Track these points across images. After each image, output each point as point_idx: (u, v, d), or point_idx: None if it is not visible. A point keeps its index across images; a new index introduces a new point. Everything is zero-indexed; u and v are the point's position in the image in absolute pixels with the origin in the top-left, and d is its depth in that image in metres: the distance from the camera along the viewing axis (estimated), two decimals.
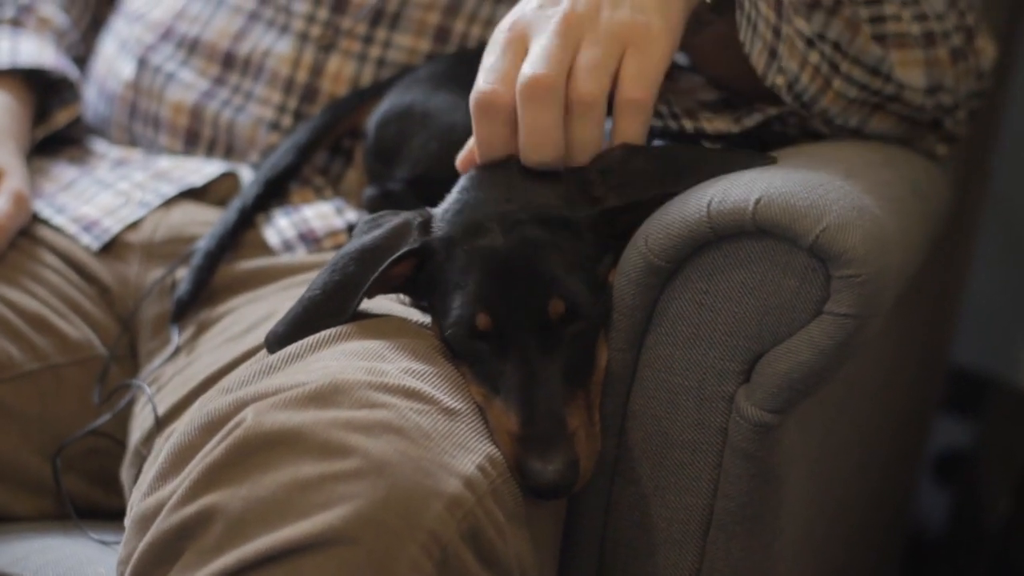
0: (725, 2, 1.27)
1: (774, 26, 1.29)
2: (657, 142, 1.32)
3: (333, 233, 1.50)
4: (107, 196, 1.57)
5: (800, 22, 1.32)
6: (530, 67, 1.19)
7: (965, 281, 2.07)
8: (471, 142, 1.25)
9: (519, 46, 1.22)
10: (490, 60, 1.23)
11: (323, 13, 1.60)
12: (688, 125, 1.33)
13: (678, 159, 1.26)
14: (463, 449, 1.09)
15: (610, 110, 1.22)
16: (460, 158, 1.26)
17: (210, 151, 1.64)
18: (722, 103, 1.38)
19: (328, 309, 1.20)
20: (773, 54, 1.29)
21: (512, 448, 1.12)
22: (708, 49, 1.36)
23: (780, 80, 1.31)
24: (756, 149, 1.35)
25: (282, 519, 1.02)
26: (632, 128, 1.22)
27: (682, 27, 1.25)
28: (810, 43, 1.32)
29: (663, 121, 1.33)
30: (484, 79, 1.22)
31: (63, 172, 1.64)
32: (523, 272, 1.15)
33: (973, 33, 1.46)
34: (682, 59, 1.42)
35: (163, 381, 1.41)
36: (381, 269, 1.18)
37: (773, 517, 1.22)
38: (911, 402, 1.90)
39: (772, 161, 1.25)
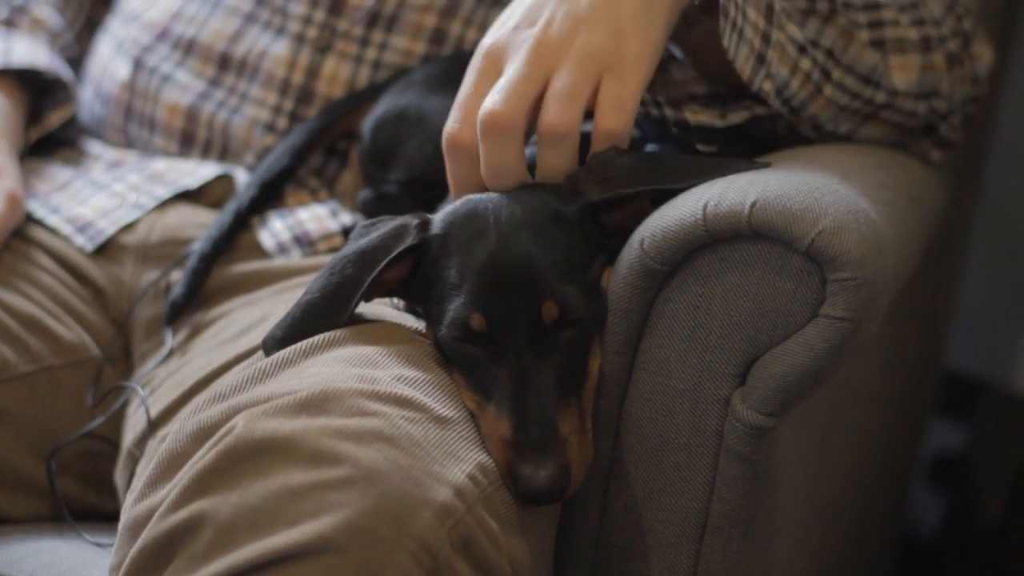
0: (714, 3, 1.27)
1: (763, 32, 1.28)
2: (651, 146, 1.32)
3: (328, 236, 1.50)
4: (102, 197, 1.57)
5: (793, 28, 1.32)
6: (490, 102, 1.19)
7: (958, 285, 2.07)
8: None
9: (491, 75, 1.23)
10: (462, 92, 1.24)
11: (319, 15, 1.60)
12: (670, 114, 1.33)
13: (665, 160, 1.27)
14: (454, 458, 1.09)
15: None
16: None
17: (205, 153, 1.64)
18: (712, 97, 1.37)
19: (325, 312, 1.20)
20: (761, 60, 1.29)
21: (504, 454, 1.12)
22: (699, 46, 1.35)
23: (768, 86, 1.31)
24: (747, 146, 1.36)
25: (272, 527, 1.02)
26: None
27: (664, 40, 1.24)
28: (802, 49, 1.32)
29: (646, 108, 1.33)
30: (452, 118, 1.23)
31: (57, 173, 1.63)
32: (517, 276, 1.15)
33: (970, 39, 1.46)
34: (677, 51, 1.41)
35: (156, 383, 1.41)
36: (379, 269, 1.18)
37: (768, 520, 1.22)
38: (905, 405, 1.90)
39: (766, 166, 1.24)
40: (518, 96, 1.19)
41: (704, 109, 1.33)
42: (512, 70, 1.21)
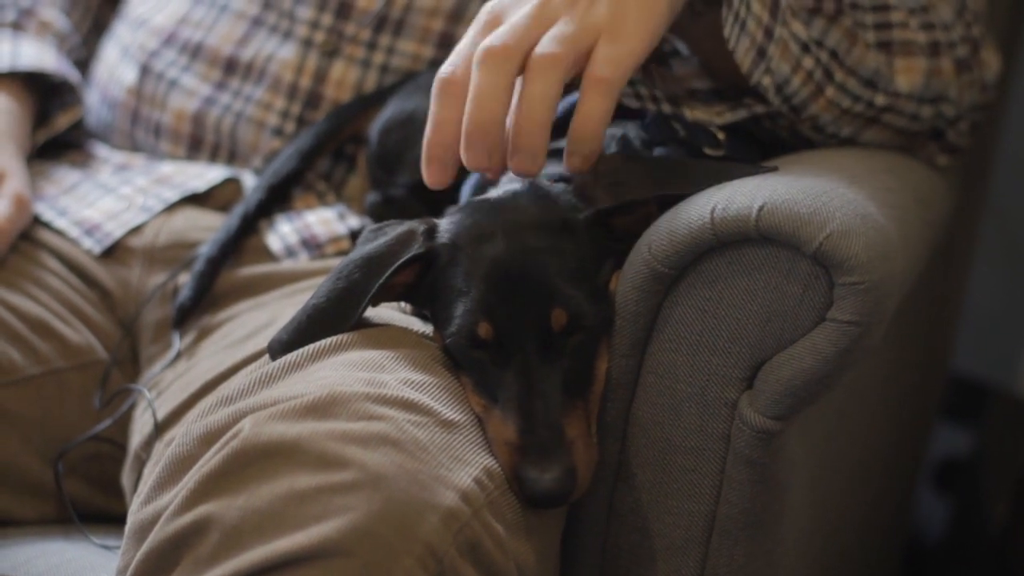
0: None
1: (766, 26, 1.28)
2: (659, 151, 1.32)
3: (335, 239, 1.50)
4: (109, 200, 1.57)
5: (797, 26, 1.32)
6: (488, 39, 1.18)
7: (965, 289, 2.07)
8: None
9: (491, 28, 1.21)
10: (461, 43, 1.22)
11: (327, 19, 1.60)
12: (667, 109, 1.32)
13: (674, 165, 1.27)
14: (460, 462, 1.09)
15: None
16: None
17: (213, 157, 1.64)
18: (713, 94, 1.37)
19: (332, 316, 1.20)
20: (762, 54, 1.29)
21: (510, 458, 1.12)
22: (703, 39, 1.35)
23: (767, 80, 1.31)
24: (755, 151, 1.36)
25: (278, 530, 1.02)
26: (596, 107, 1.18)
27: (666, 19, 1.22)
28: (805, 48, 1.32)
29: (642, 102, 1.32)
30: (447, 62, 1.21)
31: (65, 176, 1.63)
32: (526, 282, 1.15)
33: (979, 45, 1.46)
34: (682, 46, 1.40)
35: (163, 386, 1.41)
36: (387, 275, 1.18)
37: (775, 523, 1.22)
38: (911, 409, 1.90)
39: (773, 170, 1.25)
40: (517, 36, 1.17)
41: (703, 106, 1.33)
42: (514, 17, 1.19)
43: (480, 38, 1.20)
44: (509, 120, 1.18)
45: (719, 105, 1.34)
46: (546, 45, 1.17)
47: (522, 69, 1.18)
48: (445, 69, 1.20)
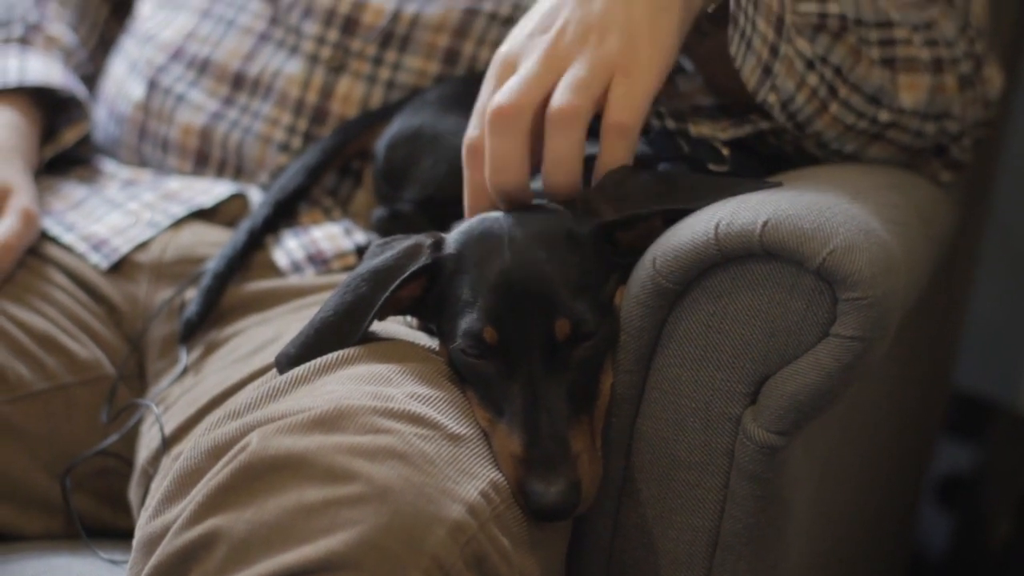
0: (724, 14, 1.28)
1: (771, 44, 1.29)
2: (663, 166, 1.33)
3: (341, 255, 1.50)
4: (116, 216, 1.58)
5: (802, 43, 1.32)
6: (498, 97, 1.21)
7: (968, 305, 2.07)
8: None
9: (506, 76, 1.25)
10: (480, 100, 1.26)
11: (333, 34, 1.60)
12: (671, 125, 1.33)
13: (678, 180, 1.27)
14: (467, 475, 1.09)
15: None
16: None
17: (219, 172, 1.64)
18: (718, 110, 1.38)
19: (339, 330, 1.21)
20: (767, 71, 1.30)
21: (515, 470, 1.13)
22: (709, 57, 1.36)
23: (772, 98, 1.32)
24: (759, 167, 1.37)
25: (285, 543, 1.03)
26: (617, 153, 1.23)
27: (677, 47, 1.25)
28: (810, 65, 1.33)
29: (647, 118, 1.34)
30: (471, 125, 1.25)
31: (72, 191, 1.64)
32: (531, 292, 1.16)
33: (982, 62, 1.47)
34: (688, 63, 1.42)
35: (171, 401, 1.41)
36: (393, 288, 1.19)
37: (779, 538, 1.22)
38: (914, 425, 1.90)
39: (777, 186, 1.25)
40: (527, 90, 1.21)
41: (707, 122, 1.34)
42: (523, 69, 1.22)
43: (495, 88, 1.23)
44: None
45: (724, 121, 1.35)
46: (563, 97, 1.20)
47: (539, 118, 1.21)
48: (470, 133, 1.25)
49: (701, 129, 1.33)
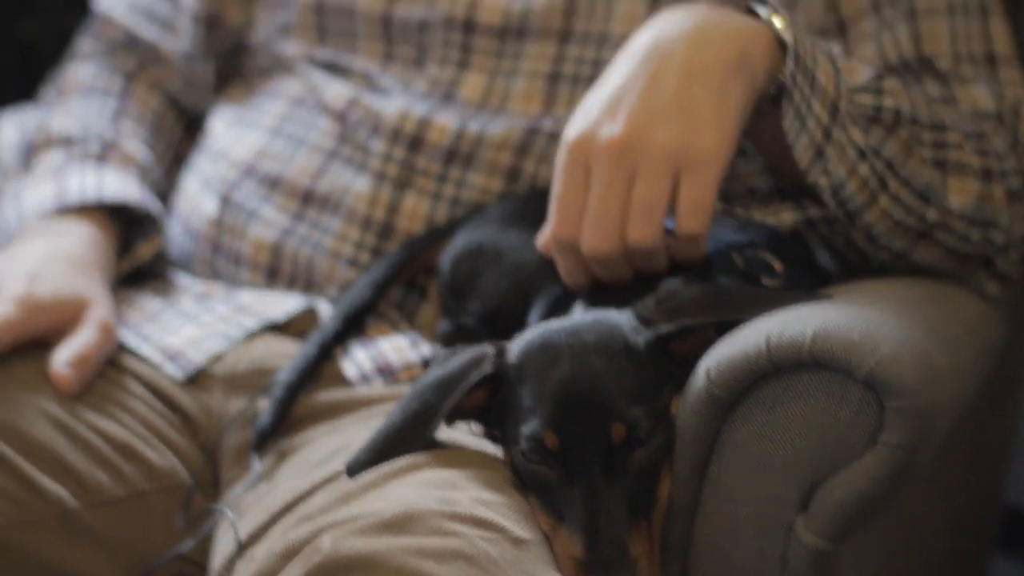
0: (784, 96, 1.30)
1: (825, 127, 1.31)
2: (722, 279, 1.35)
3: (409, 366, 1.50)
4: (191, 328, 1.59)
5: (856, 132, 1.34)
6: (588, 236, 1.28)
7: (1018, 420, 2.06)
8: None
9: (579, 169, 1.29)
10: (556, 190, 1.30)
11: (399, 152, 1.61)
12: (719, 206, 1.36)
13: (731, 292, 1.31)
14: None
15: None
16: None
17: (290, 286, 1.65)
18: (774, 192, 1.41)
19: (407, 436, 1.24)
20: (820, 153, 1.32)
21: (576, 573, 1.15)
22: (768, 138, 1.37)
23: (823, 181, 1.33)
24: (809, 281, 1.39)
25: None
26: (692, 256, 1.29)
27: (738, 133, 1.28)
28: (862, 154, 1.35)
29: None
30: (552, 216, 1.31)
31: (148, 303, 1.65)
32: (588, 400, 1.19)
33: None
34: (749, 147, 1.43)
35: (244, 508, 1.41)
36: (457, 395, 1.22)
37: None
38: (965, 539, 1.87)
39: (827, 298, 1.28)
40: (609, 223, 1.26)
41: (759, 206, 1.37)
42: (598, 186, 1.27)
43: (571, 181, 1.29)
44: None
45: (777, 205, 1.38)
46: (638, 229, 1.26)
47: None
48: (554, 225, 1.31)
49: (752, 213, 1.36)
